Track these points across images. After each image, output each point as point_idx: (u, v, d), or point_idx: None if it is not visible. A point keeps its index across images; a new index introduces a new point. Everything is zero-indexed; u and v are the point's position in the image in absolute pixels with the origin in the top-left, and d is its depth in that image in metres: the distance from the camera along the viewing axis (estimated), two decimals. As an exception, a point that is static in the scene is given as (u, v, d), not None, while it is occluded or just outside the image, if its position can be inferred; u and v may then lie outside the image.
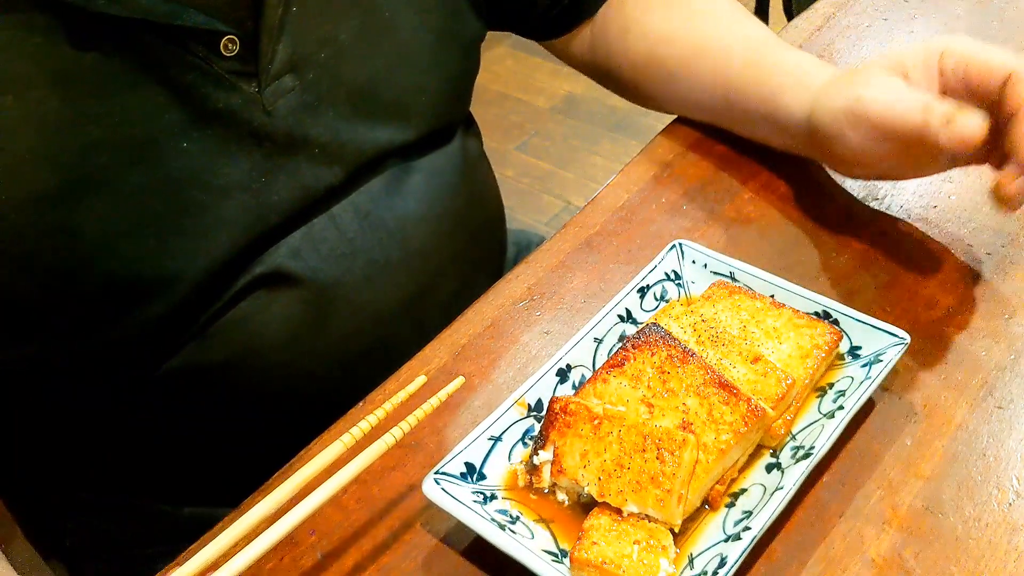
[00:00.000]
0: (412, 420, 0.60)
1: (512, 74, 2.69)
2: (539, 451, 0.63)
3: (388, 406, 0.60)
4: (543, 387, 0.67)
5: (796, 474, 0.60)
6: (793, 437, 0.64)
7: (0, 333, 0.69)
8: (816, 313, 0.69)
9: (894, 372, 0.68)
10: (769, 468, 0.63)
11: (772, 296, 0.70)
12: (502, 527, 0.59)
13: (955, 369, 0.69)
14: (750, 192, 0.84)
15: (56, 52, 0.62)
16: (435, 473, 0.61)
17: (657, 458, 0.59)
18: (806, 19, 1.03)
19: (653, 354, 0.64)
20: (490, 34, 0.91)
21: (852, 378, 0.66)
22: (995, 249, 0.77)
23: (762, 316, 0.68)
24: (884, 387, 0.68)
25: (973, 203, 0.80)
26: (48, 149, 0.63)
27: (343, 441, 0.58)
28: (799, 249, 0.79)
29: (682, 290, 0.74)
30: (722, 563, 0.56)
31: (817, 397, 0.66)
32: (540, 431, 0.63)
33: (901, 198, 0.82)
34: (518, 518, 0.61)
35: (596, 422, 0.61)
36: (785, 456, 0.63)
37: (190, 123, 0.68)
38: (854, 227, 0.80)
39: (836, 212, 0.82)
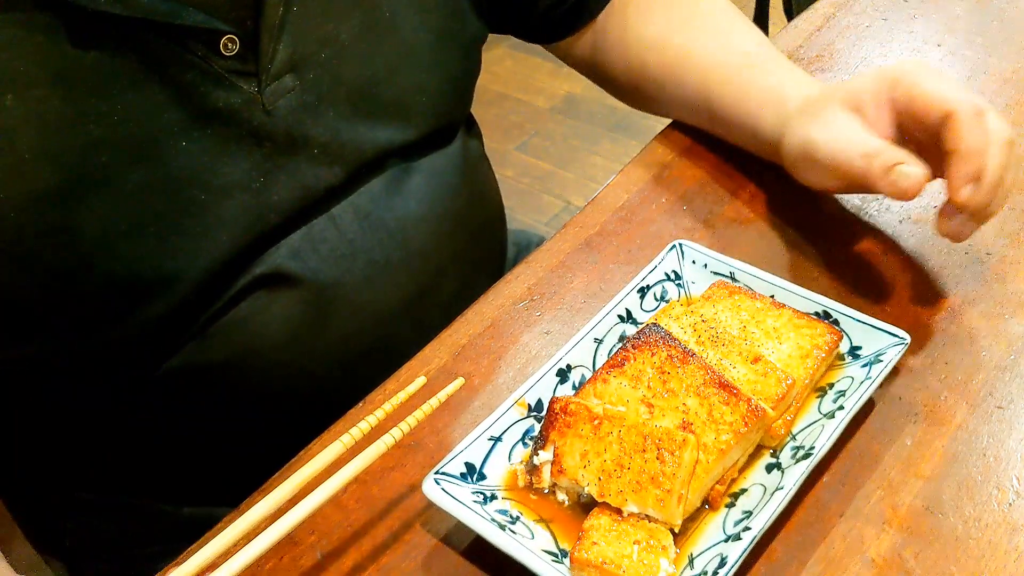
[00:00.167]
0: (412, 421, 0.60)
1: (512, 74, 2.69)
2: (539, 451, 0.63)
3: (388, 406, 0.60)
4: (543, 387, 0.67)
5: (796, 474, 0.60)
6: (793, 437, 0.64)
7: (0, 333, 0.69)
8: (816, 313, 0.69)
9: (894, 372, 0.68)
10: (769, 468, 0.63)
11: (772, 296, 0.70)
12: (502, 527, 0.59)
13: (955, 369, 0.69)
14: (750, 192, 0.84)
15: (57, 51, 0.62)
16: (435, 473, 0.61)
17: (657, 458, 0.59)
18: (806, 19, 1.03)
19: (653, 354, 0.64)
20: (490, 34, 0.91)
21: (852, 378, 0.66)
22: (995, 249, 0.77)
23: (762, 316, 0.68)
24: (884, 387, 0.68)
25: (973, 203, 0.80)
26: (49, 148, 0.63)
27: (343, 441, 0.58)
28: (799, 249, 0.79)
29: (682, 290, 0.74)
30: (722, 563, 0.56)
31: (817, 397, 0.66)
32: (540, 431, 0.63)
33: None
34: (518, 518, 0.61)
35: (596, 422, 0.61)
36: (785, 456, 0.63)
37: (190, 122, 0.68)
38: (854, 227, 0.80)
39: (836, 212, 0.82)
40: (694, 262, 0.74)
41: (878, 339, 0.67)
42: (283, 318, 0.76)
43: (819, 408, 0.65)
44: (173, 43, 0.66)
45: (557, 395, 0.66)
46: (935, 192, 0.81)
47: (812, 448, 0.61)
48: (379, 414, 0.59)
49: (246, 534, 0.55)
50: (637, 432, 0.60)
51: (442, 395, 0.61)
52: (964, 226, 0.69)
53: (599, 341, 0.70)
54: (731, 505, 0.61)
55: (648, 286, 0.73)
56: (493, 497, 0.62)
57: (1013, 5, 1.02)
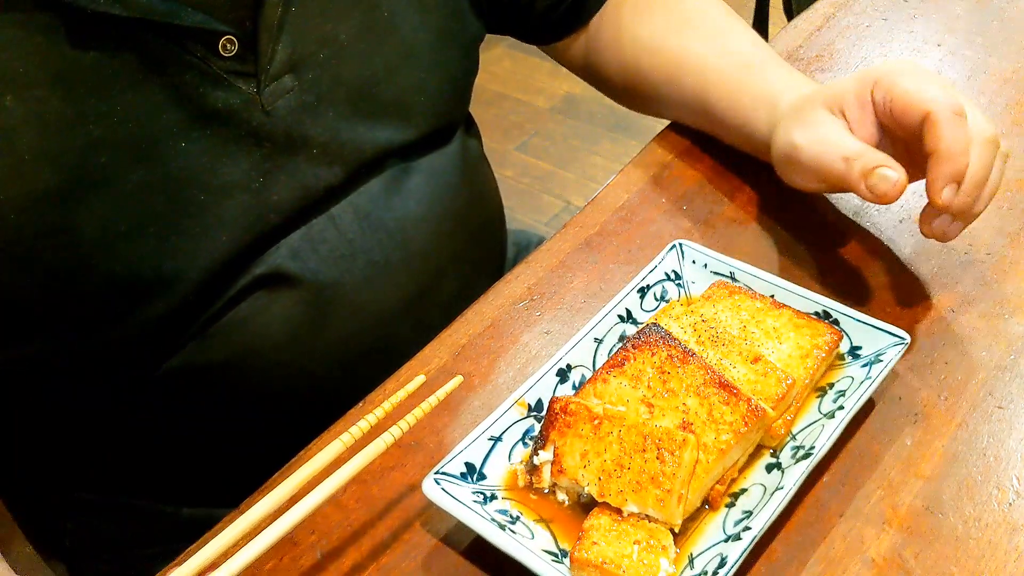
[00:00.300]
0: (411, 419, 0.60)
1: (511, 74, 2.69)
2: (539, 451, 0.63)
3: (387, 405, 0.60)
4: (543, 387, 0.67)
5: (796, 474, 0.60)
6: (793, 437, 0.64)
7: (0, 333, 0.69)
8: (816, 313, 0.69)
9: (894, 372, 0.68)
10: (769, 468, 0.63)
11: (772, 296, 0.70)
12: (502, 527, 0.59)
13: (955, 369, 0.69)
14: (750, 192, 0.84)
15: (57, 51, 0.62)
16: (435, 473, 0.61)
17: (657, 458, 0.59)
18: (806, 19, 1.03)
19: (653, 354, 0.64)
20: (488, 34, 0.91)
21: (852, 378, 0.66)
22: (995, 249, 0.77)
23: (762, 316, 0.68)
24: (884, 387, 0.68)
25: (973, 203, 0.80)
26: (49, 148, 0.63)
27: (342, 440, 0.58)
28: (799, 249, 0.79)
29: (682, 290, 0.74)
30: (722, 563, 0.56)
31: (817, 397, 0.66)
32: (540, 431, 0.63)
33: (902, 198, 0.81)
34: (518, 518, 0.61)
35: (596, 422, 0.61)
36: (785, 456, 0.63)
37: (189, 123, 0.68)
38: (854, 227, 0.80)
39: (836, 212, 0.82)
40: (694, 262, 0.74)
41: (878, 339, 0.67)
42: (283, 318, 0.76)
43: (819, 408, 0.65)
44: (172, 43, 0.66)
45: (557, 395, 0.66)
46: (935, 192, 0.81)
47: (812, 448, 0.61)
48: (378, 413, 0.59)
49: (246, 534, 0.55)
50: (637, 432, 0.60)
51: (440, 393, 0.61)
52: (948, 227, 0.69)
53: (599, 341, 0.70)
54: (731, 505, 0.61)
55: (648, 286, 0.73)
56: (493, 497, 0.62)
57: (1013, 5, 1.02)
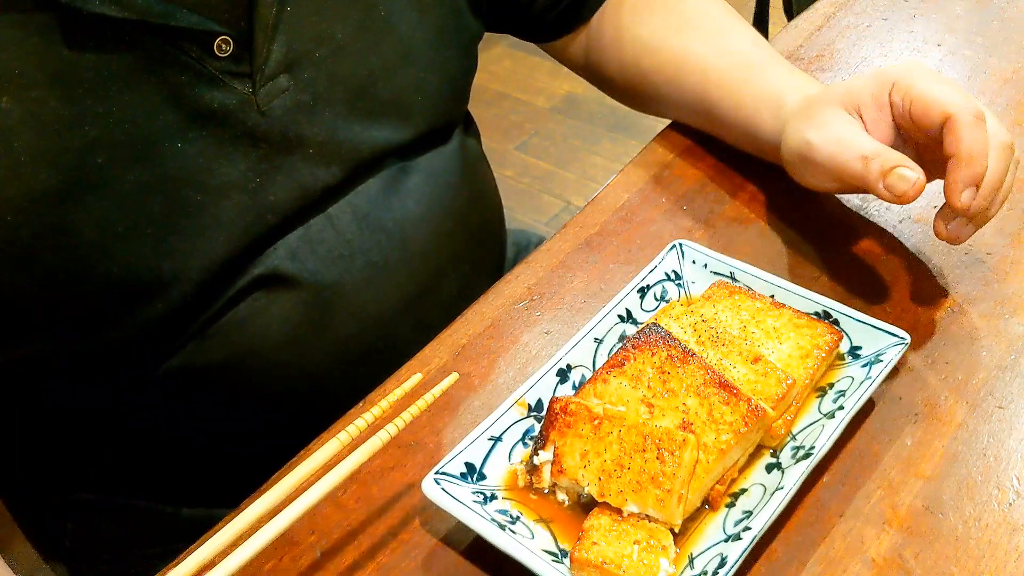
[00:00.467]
0: (407, 416, 0.60)
1: (511, 74, 2.69)
2: (539, 451, 0.63)
3: (384, 404, 0.60)
4: (543, 387, 0.67)
5: (796, 474, 0.60)
6: (793, 437, 0.64)
7: (0, 333, 0.69)
8: (816, 313, 0.69)
9: (894, 372, 0.68)
10: (769, 468, 0.63)
11: (772, 296, 0.70)
12: (502, 527, 0.59)
13: (955, 369, 0.69)
14: (750, 192, 0.84)
15: (54, 52, 0.62)
16: (435, 473, 0.61)
17: (657, 458, 0.59)
18: (806, 19, 1.03)
19: (653, 354, 0.64)
20: (488, 34, 0.91)
21: (852, 378, 0.66)
22: (995, 249, 0.77)
23: (762, 316, 0.68)
24: (884, 387, 0.68)
25: (973, 203, 0.80)
26: (47, 149, 0.63)
27: (339, 439, 0.58)
28: (799, 249, 0.79)
29: (682, 290, 0.74)
30: (722, 563, 0.56)
31: (817, 397, 0.66)
32: (540, 431, 0.63)
33: (902, 198, 0.82)
34: (518, 518, 0.61)
35: (596, 422, 0.61)
36: (785, 456, 0.63)
37: (186, 123, 0.68)
38: (854, 227, 0.80)
39: (836, 212, 0.82)
40: (694, 262, 0.74)
41: (878, 339, 0.67)
42: (282, 319, 0.76)
43: (819, 408, 0.65)
44: (168, 44, 0.66)
45: (557, 395, 0.66)
46: (935, 192, 0.81)
47: (812, 448, 0.61)
48: (375, 411, 0.59)
49: (243, 533, 0.55)
50: (637, 432, 0.60)
51: (436, 391, 0.61)
52: (962, 229, 0.69)
53: (599, 341, 0.70)
54: (731, 505, 0.61)
55: (648, 286, 0.73)
56: (493, 497, 0.62)
57: (1013, 5, 1.02)
